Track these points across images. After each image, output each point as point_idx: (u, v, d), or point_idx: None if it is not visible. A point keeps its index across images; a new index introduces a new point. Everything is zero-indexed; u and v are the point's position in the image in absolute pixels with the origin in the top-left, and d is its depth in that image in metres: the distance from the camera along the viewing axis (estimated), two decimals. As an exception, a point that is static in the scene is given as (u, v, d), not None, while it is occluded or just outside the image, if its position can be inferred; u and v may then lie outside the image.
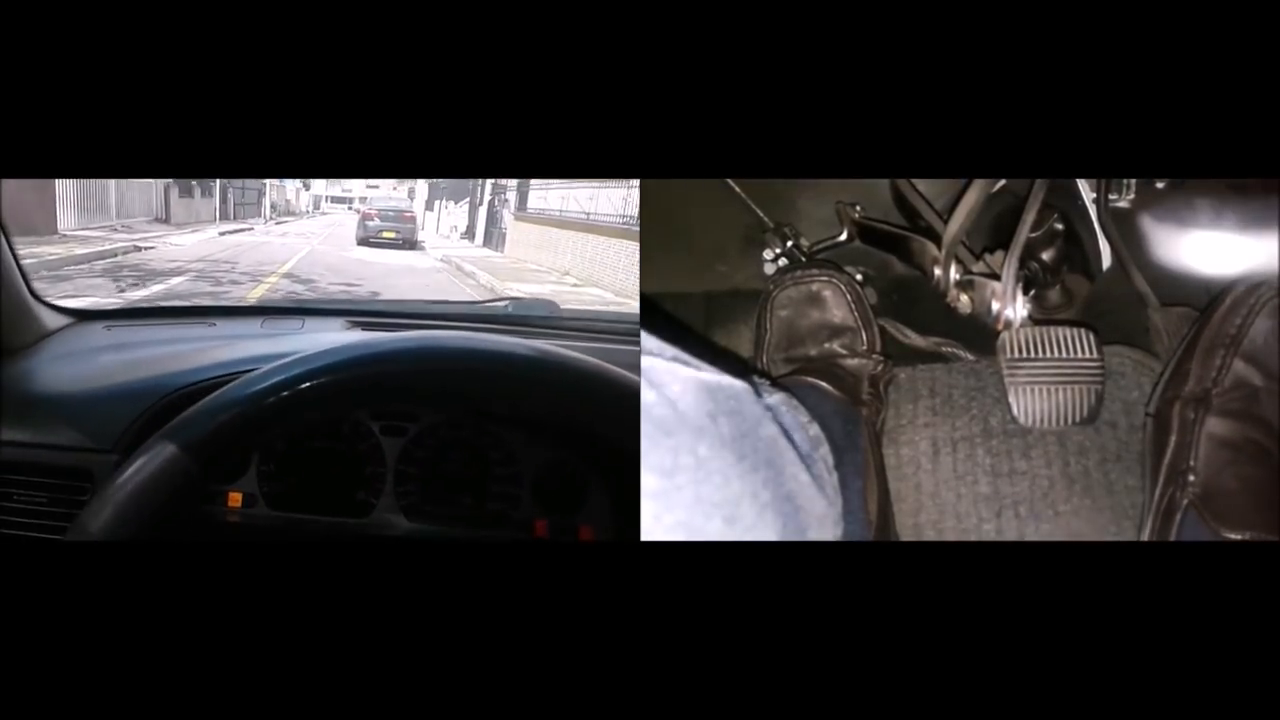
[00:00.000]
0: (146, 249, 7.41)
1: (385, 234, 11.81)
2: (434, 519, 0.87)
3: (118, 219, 9.49)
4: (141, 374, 0.84)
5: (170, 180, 11.08)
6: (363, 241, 11.69)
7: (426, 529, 0.87)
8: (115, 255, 6.54)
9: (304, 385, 0.60)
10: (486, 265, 8.82)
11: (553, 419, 0.77)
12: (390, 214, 12.28)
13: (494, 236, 12.49)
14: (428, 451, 0.88)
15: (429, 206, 16.42)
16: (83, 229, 7.82)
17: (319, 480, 0.87)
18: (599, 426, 0.65)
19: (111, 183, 9.23)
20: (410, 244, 11.97)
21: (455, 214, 15.36)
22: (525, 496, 0.88)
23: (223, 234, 11.31)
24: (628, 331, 1.14)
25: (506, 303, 1.26)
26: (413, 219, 12.66)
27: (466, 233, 14.37)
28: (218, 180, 12.91)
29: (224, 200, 14.37)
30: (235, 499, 0.86)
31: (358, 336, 0.90)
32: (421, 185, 17.45)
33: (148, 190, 11.10)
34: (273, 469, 0.86)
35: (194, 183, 12.36)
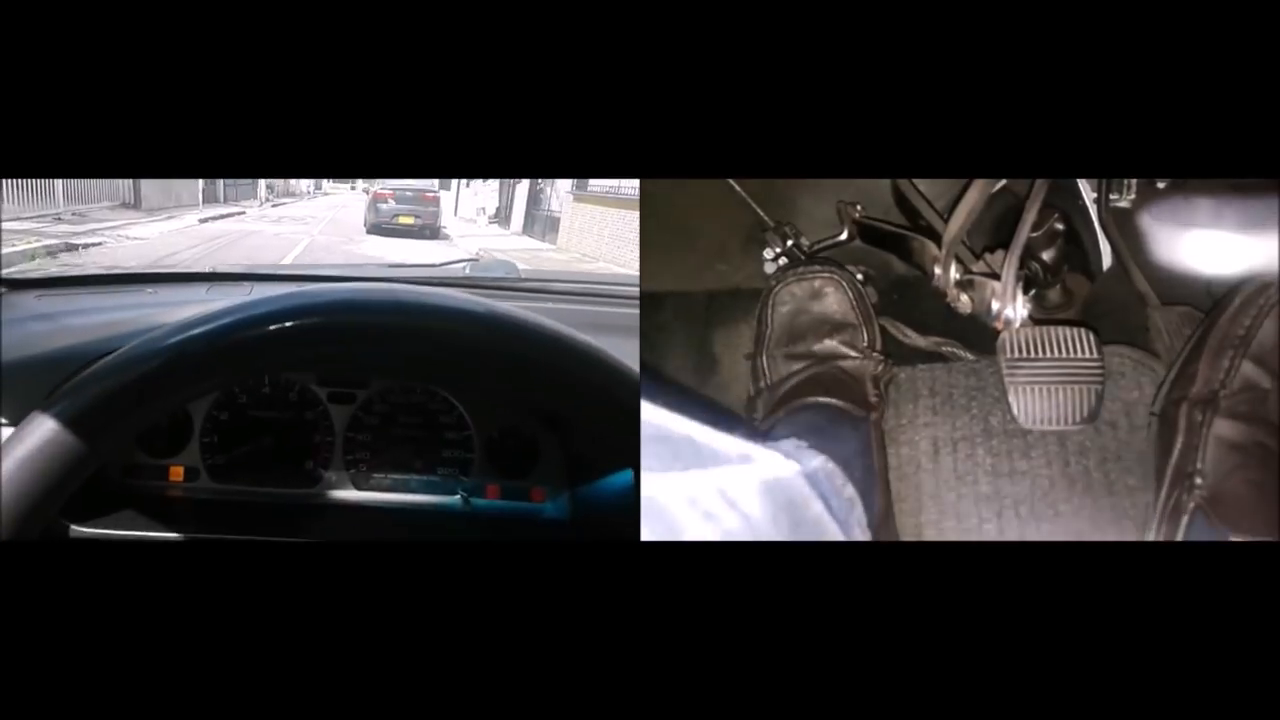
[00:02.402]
0: (89, 246, 5.63)
1: (402, 219, 9.69)
2: (384, 487, 0.86)
3: (66, 205, 7.61)
4: (64, 342, 0.77)
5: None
6: (374, 229, 9.65)
7: (376, 498, 0.86)
8: (30, 258, 4.77)
9: (191, 350, 0.54)
10: (549, 264, 6.90)
11: (497, 378, 0.68)
12: (408, 194, 10.01)
13: (537, 222, 10.40)
14: (377, 418, 0.86)
15: (444, 184, 13.25)
16: (13, 219, 6.18)
17: (265, 451, 0.84)
18: (546, 390, 0.61)
19: (60, 161, 7.81)
20: (434, 232, 9.91)
21: (483, 194, 12.92)
22: (477, 460, 0.87)
23: (204, 221, 9.16)
24: (591, 293, 1.14)
25: (465, 264, 1.24)
26: (436, 200, 10.46)
27: (496, 216, 12.00)
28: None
29: (211, 181, 11.92)
30: (177, 473, 0.82)
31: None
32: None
33: (112, 169, 9.45)
34: (216, 441, 0.83)
35: (173, 160, 10.89)
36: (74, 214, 7.53)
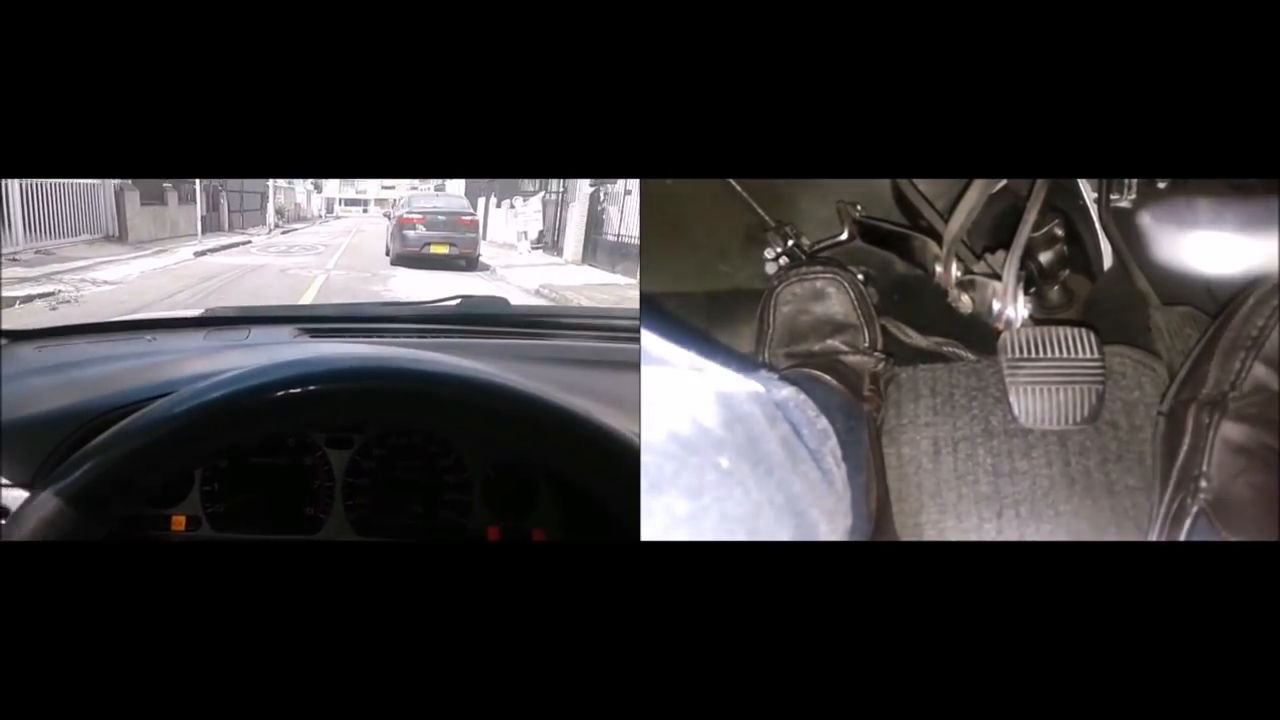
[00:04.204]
0: (32, 299, 4.63)
1: (434, 248, 8.21)
2: (385, 531, 0.85)
3: (28, 242, 6.55)
4: (68, 399, 0.77)
5: (127, 183, 8.25)
6: (400, 260, 8.30)
7: (378, 542, 0.85)
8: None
9: (177, 424, 0.57)
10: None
11: (479, 439, 0.75)
12: (441, 218, 8.45)
13: (601, 248, 8.65)
14: (375, 462, 0.86)
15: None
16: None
17: (265, 498, 0.84)
18: (537, 453, 0.64)
19: (15, 190, 6.41)
20: (471, 262, 8.41)
21: (523, 215, 10.86)
22: (476, 502, 0.86)
23: (200, 254, 8.17)
24: (586, 326, 1.12)
25: (458, 300, 1.23)
26: (474, 224, 8.83)
27: (540, 241, 10.21)
28: (198, 182, 9.91)
29: (214, 208, 10.95)
30: (179, 522, 0.82)
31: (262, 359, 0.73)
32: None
33: (96, 197, 7.87)
34: (216, 489, 0.83)
35: (167, 185, 9.32)
36: (37, 252, 6.56)
